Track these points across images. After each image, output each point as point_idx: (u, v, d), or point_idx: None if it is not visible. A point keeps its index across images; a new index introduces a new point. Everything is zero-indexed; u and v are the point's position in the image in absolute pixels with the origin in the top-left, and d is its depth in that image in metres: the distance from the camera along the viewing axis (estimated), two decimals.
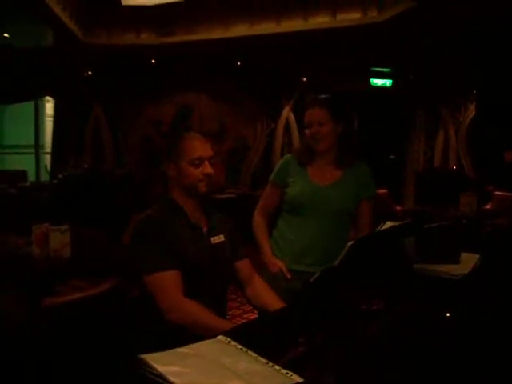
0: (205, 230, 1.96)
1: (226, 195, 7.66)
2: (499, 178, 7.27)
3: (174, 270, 1.79)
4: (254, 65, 9.01)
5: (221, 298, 1.98)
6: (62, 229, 2.90)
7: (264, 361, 1.13)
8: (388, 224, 1.85)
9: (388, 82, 9.66)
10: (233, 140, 9.62)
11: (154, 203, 1.98)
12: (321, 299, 1.53)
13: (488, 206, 6.25)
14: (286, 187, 2.36)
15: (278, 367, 1.10)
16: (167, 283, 1.77)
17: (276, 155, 9.40)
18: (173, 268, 1.79)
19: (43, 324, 1.90)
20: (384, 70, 9.53)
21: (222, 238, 1.99)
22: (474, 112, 9.40)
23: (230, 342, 1.24)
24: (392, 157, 10.26)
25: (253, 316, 3.95)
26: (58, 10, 6.59)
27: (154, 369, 1.06)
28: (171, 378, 1.02)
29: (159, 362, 1.08)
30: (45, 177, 10.04)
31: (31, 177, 9.57)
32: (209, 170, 1.92)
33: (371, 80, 9.60)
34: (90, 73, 9.22)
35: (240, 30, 7.64)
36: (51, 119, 10.13)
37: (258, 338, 1.36)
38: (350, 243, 1.53)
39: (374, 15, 6.86)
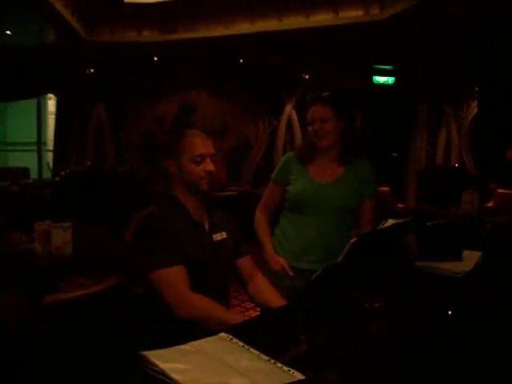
0: (207, 227, 1.96)
1: (228, 193, 7.65)
2: (501, 175, 7.24)
3: (179, 266, 1.78)
4: (256, 62, 8.99)
5: (223, 295, 1.97)
6: (64, 226, 2.91)
7: (266, 358, 1.13)
8: (390, 222, 1.84)
9: (390, 80, 9.63)
10: (235, 138, 9.62)
11: (156, 200, 1.98)
12: (323, 297, 1.52)
13: (490, 204, 6.23)
14: (288, 185, 2.36)
15: (280, 365, 1.10)
16: (174, 279, 1.77)
17: (278, 153, 9.40)
18: (177, 263, 1.78)
19: (45, 322, 1.90)
20: (386, 67, 9.50)
21: (224, 235, 1.99)
22: (476, 110, 9.37)
23: (232, 339, 1.24)
24: (394, 154, 10.24)
25: (254, 313, 3.95)
26: (59, 7, 6.60)
27: (156, 366, 1.06)
28: (173, 375, 1.02)
29: (161, 358, 1.08)
30: (47, 174, 10.06)
31: (33, 174, 9.60)
32: (210, 167, 1.92)
33: (373, 77, 9.57)
34: (91, 70, 9.22)
35: (242, 27, 7.64)
36: (53, 116, 10.16)
37: (260, 335, 1.36)
38: (352, 240, 1.53)
39: (376, 13, 6.86)
